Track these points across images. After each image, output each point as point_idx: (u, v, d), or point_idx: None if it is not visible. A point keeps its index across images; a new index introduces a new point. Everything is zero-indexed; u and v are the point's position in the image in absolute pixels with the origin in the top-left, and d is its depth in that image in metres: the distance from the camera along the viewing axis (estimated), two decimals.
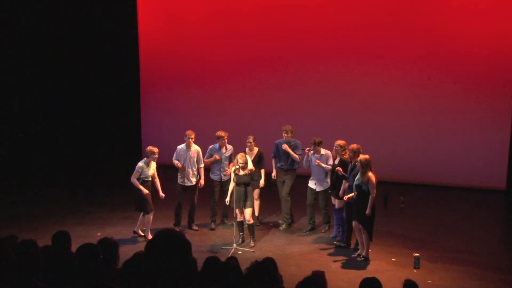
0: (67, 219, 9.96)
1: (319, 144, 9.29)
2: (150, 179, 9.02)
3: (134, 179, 8.87)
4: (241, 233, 8.68)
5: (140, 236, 9.09)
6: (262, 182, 9.70)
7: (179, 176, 9.48)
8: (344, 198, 8.39)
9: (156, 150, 8.98)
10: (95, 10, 15.41)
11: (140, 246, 8.33)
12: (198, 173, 9.57)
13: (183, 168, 9.40)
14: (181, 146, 9.52)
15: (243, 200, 8.58)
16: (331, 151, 9.25)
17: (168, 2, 15.14)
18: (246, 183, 8.60)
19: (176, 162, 9.43)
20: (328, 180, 9.22)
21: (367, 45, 13.09)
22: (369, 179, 7.92)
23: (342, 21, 13.30)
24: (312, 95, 13.71)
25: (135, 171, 8.89)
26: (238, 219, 8.65)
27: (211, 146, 9.76)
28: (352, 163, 8.49)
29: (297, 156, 9.65)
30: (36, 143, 15.91)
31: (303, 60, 13.70)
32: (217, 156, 9.59)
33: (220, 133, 9.63)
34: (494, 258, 8.42)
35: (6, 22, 15.17)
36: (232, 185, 8.74)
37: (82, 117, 16.12)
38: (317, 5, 13.50)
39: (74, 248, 4.92)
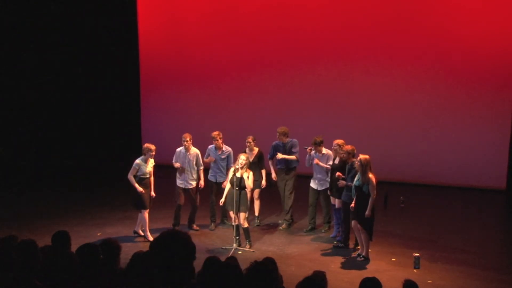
0: (67, 219, 9.96)
1: (320, 144, 9.28)
2: (148, 176, 8.99)
3: (130, 176, 8.85)
4: (237, 237, 8.60)
5: (140, 236, 9.09)
6: (263, 182, 9.69)
7: (178, 179, 9.45)
8: (351, 207, 8.31)
9: (153, 147, 8.95)
10: (95, 10, 15.42)
11: (140, 246, 8.35)
12: (198, 175, 9.54)
13: (183, 170, 9.40)
14: (180, 149, 9.49)
15: (237, 203, 8.47)
16: (331, 150, 9.24)
17: (168, 2, 15.14)
18: (241, 186, 8.48)
19: (177, 164, 9.39)
20: (329, 179, 9.21)
21: (367, 45, 13.10)
22: (369, 180, 7.90)
23: (343, 21, 13.30)
24: (312, 95, 13.72)
25: (132, 168, 8.88)
26: (234, 223, 8.57)
27: (209, 147, 9.79)
28: (349, 164, 8.48)
29: (293, 157, 9.63)
30: (35, 143, 15.90)
31: (303, 60, 13.70)
32: (211, 158, 9.62)
33: (214, 133, 9.63)
34: (494, 258, 8.42)
35: (5, 21, 15.16)
36: (228, 186, 8.68)
37: (82, 117, 16.13)
38: (317, 5, 13.50)
39: (74, 248, 4.92)
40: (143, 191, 8.85)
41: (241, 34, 14.24)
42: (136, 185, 8.82)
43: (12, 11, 15.23)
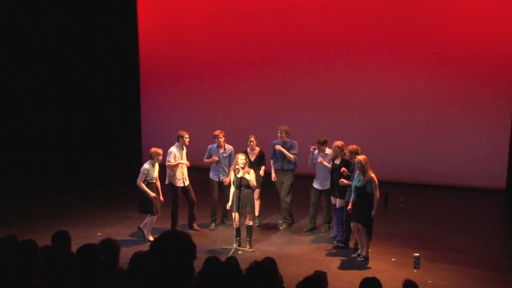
0: (67, 219, 9.95)
1: (323, 144, 9.28)
2: (155, 181, 8.95)
3: (140, 182, 8.76)
4: (237, 238, 8.58)
5: (143, 233, 9.06)
6: (261, 172, 9.61)
7: (176, 178, 9.39)
8: (348, 210, 8.30)
9: (160, 151, 8.92)
10: (95, 10, 15.42)
11: (140, 246, 8.33)
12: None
13: (181, 167, 9.39)
14: (176, 147, 9.46)
15: (241, 204, 8.43)
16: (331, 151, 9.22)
17: (168, 2, 15.14)
18: (244, 185, 8.48)
19: (185, 162, 9.36)
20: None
21: (368, 45, 13.10)
22: (372, 179, 7.87)
23: (343, 21, 13.31)
24: (312, 95, 13.72)
25: (140, 174, 8.79)
26: (235, 225, 8.52)
27: (209, 146, 9.77)
28: (353, 164, 8.45)
29: (291, 156, 9.60)
30: (36, 143, 15.91)
31: (303, 60, 13.70)
32: (215, 158, 9.60)
33: (216, 132, 9.63)
34: (494, 258, 8.42)
35: (6, 21, 15.17)
36: (232, 189, 8.61)
37: (82, 116, 16.12)
38: (316, 5, 13.50)
39: (74, 248, 4.92)
40: (156, 197, 8.85)
41: (241, 34, 14.24)
42: (148, 190, 8.77)
43: (12, 10, 15.24)
